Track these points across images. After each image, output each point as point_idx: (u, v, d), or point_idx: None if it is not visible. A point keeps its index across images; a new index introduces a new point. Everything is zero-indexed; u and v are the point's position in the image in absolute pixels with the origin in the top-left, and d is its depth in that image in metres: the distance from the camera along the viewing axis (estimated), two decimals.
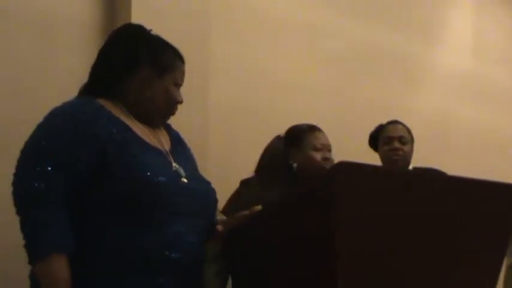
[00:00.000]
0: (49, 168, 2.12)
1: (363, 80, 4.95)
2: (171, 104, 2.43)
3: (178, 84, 2.44)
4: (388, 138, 3.94)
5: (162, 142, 2.41)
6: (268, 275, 2.31)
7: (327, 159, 3.38)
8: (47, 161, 2.13)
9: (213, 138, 3.96)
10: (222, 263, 2.67)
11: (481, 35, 5.90)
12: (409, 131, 3.99)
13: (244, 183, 3.38)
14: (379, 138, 3.99)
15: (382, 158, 3.96)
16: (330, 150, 3.42)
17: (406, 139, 3.94)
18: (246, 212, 2.39)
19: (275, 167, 3.40)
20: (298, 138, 3.43)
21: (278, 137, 3.54)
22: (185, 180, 2.32)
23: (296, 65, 4.60)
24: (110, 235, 2.17)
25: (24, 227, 2.11)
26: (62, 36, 3.49)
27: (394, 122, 4.02)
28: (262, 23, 4.47)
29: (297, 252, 2.20)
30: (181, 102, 2.45)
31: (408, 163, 3.95)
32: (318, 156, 3.36)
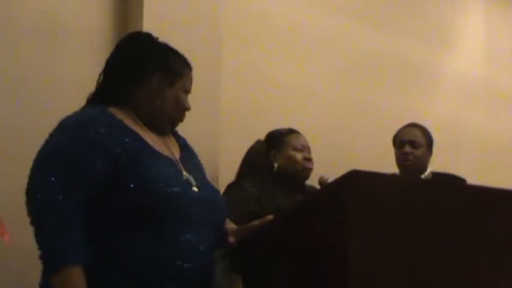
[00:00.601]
0: (64, 179, 2.11)
1: (373, 86, 4.94)
2: (181, 111, 2.43)
3: (187, 91, 2.44)
4: (401, 142, 3.96)
5: (172, 150, 2.40)
6: (279, 284, 2.30)
7: (308, 159, 3.45)
8: (61, 171, 2.12)
9: (224, 142, 3.96)
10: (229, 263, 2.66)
11: (492, 41, 5.87)
12: (425, 135, 3.97)
13: (234, 187, 3.43)
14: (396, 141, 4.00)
15: (396, 162, 3.96)
16: (309, 152, 3.49)
17: (419, 143, 3.93)
18: (256, 222, 2.38)
19: (259, 168, 3.47)
20: (279, 141, 3.53)
21: (258, 141, 3.61)
22: (196, 190, 2.31)
23: (306, 70, 4.59)
24: (122, 245, 2.16)
25: (39, 237, 2.10)
26: (73, 43, 3.50)
27: (410, 125, 4.02)
28: (272, 29, 4.47)
29: (309, 261, 2.19)
30: (189, 109, 2.44)
31: (423, 167, 3.94)
32: (298, 155, 3.43)
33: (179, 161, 2.37)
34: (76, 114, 2.28)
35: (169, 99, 2.38)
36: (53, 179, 2.11)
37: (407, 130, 4.00)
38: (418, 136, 3.96)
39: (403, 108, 4.98)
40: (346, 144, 4.55)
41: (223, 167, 3.88)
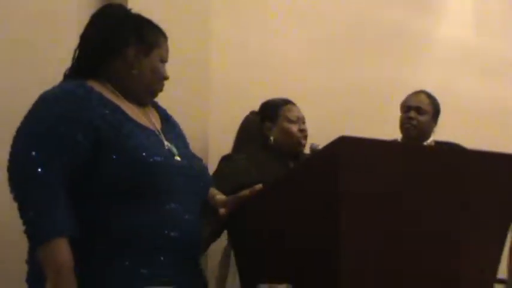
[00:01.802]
0: (45, 153, 2.11)
1: (362, 56, 4.93)
2: (159, 80, 2.43)
3: (163, 61, 2.44)
4: (406, 107, 4.03)
5: (153, 121, 2.41)
6: (271, 253, 2.31)
7: (302, 130, 3.46)
8: (42, 145, 2.12)
9: (214, 119, 3.96)
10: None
11: (481, 7, 5.86)
12: (432, 103, 4.00)
13: (226, 159, 3.42)
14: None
15: (399, 126, 4.01)
16: (304, 123, 3.48)
17: (425, 110, 3.97)
18: (247, 192, 2.37)
19: (251, 140, 3.47)
20: (273, 113, 3.52)
21: (252, 113, 3.60)
22: (178, 159, 2.32)
23: (294, 43, 4.58)
24: (107, 217, 2.17)
25: (24, 212, 2.09)
26: (61, 38, 3.46)
27: (418, 92, 4.06)
28: (262, 2, 4.45)
29: (299, 229, 2.20)
30: (167, 78, 2.45)
31: (425, 134, 3.99)
32: (294, 128, 3.43)
33: (160, 132, 2.38)
34: (54, 89, 2.28)
35: (147, 69, 2.38)
36: (33, 153, 2.11)
37: (415, 96, 4.06)
38: (424, 103, 4.01)
39: (392, 77, 4.98)
40: (336, 114, 4.55)
41: (212, 141, 3.88)
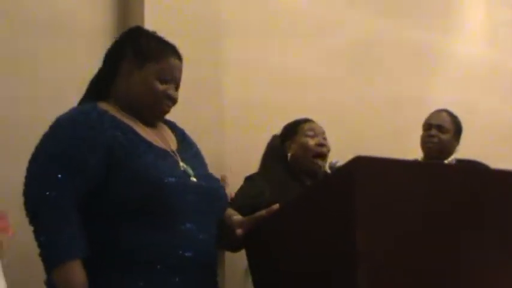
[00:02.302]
0: (59, 176, 2.13)
1: (379, 73, 4.92)
2: (154, 97, 2.36)
3: (163, 79, 2.36)
4: (428, 124, 4.02)
5: (168, 141, 2.41)
6: (288, 272, 2.29)
7: (322, 144, 3.43)
8: (55, 168, 2.14)
9: (229, 135, 3.95)
10: None
11: (500, 25, 5.85)
12: (454, 122, 3.99)
13: (248, 178, 3.42)
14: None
15: (420, 144, 4.01)
16: (325, 138, 3.46)
17: (446, 128, 3.96)
18: (263, 212, 2.36)
19: (273, 162, 3.46)
20: (292, 130, 3.52)
21: (274, 136, 3.60)
22: (194, 179, 2.31)
23: (309, 61, 4.57)
24: (122, 237, 2.18)
25: (38, 236, 2.12)
26: (74, 39, 3.48)
27: (440, 110, 4.05)
28: (274, 20, 4.45)
29: (316, 248, 2.18)
30: (171, 97, 2.38)
31: (447, 153, 3.98)
32: (311, 141, 3.41)
33: (175, 152, 2.37)
34: (68, 113, 2.30)
35: (138, 82, 2.36)
36: (46, 177, 2.14)
37: (437, 114, 4.05)
38: (446, 121, 4.00)
39: (407, 93, 4.98)
40: (353, 131, 4.53)
41: (228, 160, 3.87)
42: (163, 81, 2.36)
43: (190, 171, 2.33)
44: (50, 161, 2.16)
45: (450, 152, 4.00)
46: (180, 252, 2.20)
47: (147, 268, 2.17)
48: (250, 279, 2.69)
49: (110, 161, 2.19)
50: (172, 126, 2.53)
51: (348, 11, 4.80)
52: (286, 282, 2.30)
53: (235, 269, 3.42)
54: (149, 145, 2.29)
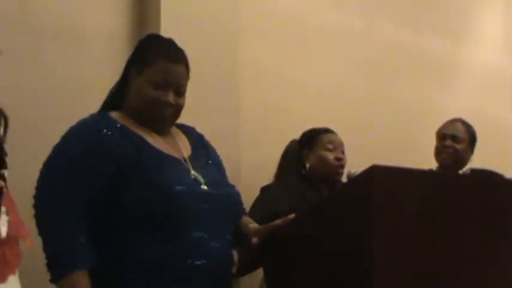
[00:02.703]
0: (66, 186, 2.14)
1: (394, 82, 4.90)
2: (147, 103, 2.32)
3: (157, 84, 2.30)
4: (442, 134, 3.99)
5: (180, 148, 2.39)
6: (304, 280, 2.28)
7: (339, 159, 3.43)
8: (63, 179, 2.16)
9: (245, 142, 3.94)
10: None
11: None
12: (469, 132, 3.97)
13: (264, 189, 3.42)
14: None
15: (434, 154, 3.98)
16: (343, 152, 3.47)
17: (461, 139, 3.94)
18: (279, 221, 2.35)
19: (290, 169, 3.46)
20: (311, 140, 3.52)
21: (293, 141, 3.60)
22: (205, 187, 2.29)
23: (327, 69, 4.56)
24: (132, 246, 2.18)
25: (45, 247, 2.13)
26: (91, 45, 3.49)
27: (454, 120, 4.04)
28: (292, 27, 4.43)
29: (332, 256, 2.18)
30: (166, 102, 2.32)
31: (461, 163, 3.94)
32: (330, 156, 3.41)
33: (188, 159, 2.35)
34: (77, 125, 2.30)
35: (136, 91, 2.34)
36: (54, 187, 2.14)
37: (451, 124, 4.02)
38: (460, 131, 3.97)
39: (425, 103, 4.95)
40: (370, 140, 4.52)
41: (244, 166, 3.86)
42: (156, 87, 2.31)
43: (201, 179, 2.31)
44: (59, 172, 2.18)
45: (465, 162, 3.98)
46: (190, 260, 2.18)
47: (156, 277, 2.16)
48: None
49: (119, 170, 2.19)
50: (189, 132, 2.51)
51: (367, 20, 4.79)
52: None
53: (252, 279, 3.41)
54: (159, 154, 2.28)
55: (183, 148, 2.41)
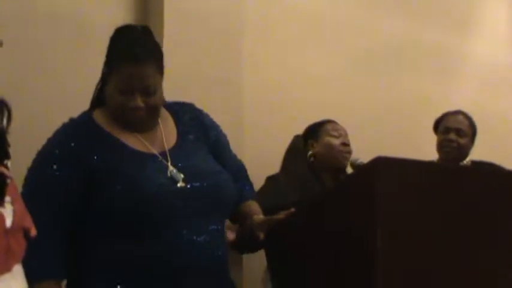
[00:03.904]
0: (39, 194, 2.17)
1: (398, 75, 4.90)
2: (117, 109, 2.30)
3: (122, 90, 2.26)
4: (446, 128, 3.97)
5: (162, 142, 2.34)
6: (307, 274, 2.29)
7: (345, 144, 3.44)
8: (33, 187, 2.20)
9: (248, 135, 3.94)
10: None
11: None
12: (472, 125, 3.97)
13: (271, 178, 3.42)
14: (439, 126, 4.00)
15: (437, 147, 3.97)
16: (347, 139, 3.47)
17: (465, 132, 3.93)
18: (282, 215, 2.36)
19: (296, 162, 3.46)
20: (316, 130, 3.52)
21: (297, 136, 3.60)
22: (181, 184, 2.25)
23: (330, 61, 4.56)
24: (109, 249, 2.19)
25: None
26: (93, 39, 3.49)
27: (456, 113, 4.01)
28: (294, 20, 4.44)
29: (335, 249, 2.19)
30: (133, 108, 2.27)
31: (464, 156, 3.95)
32: (336, 141, 3.42)
33: (169, 152, 2.32)
34: (60, 128, 2.32)
35: (107, 95, 2.32)
36: (30, 196, 2.09)
37: (455, 117, 4.00)
38: (464, 125, 3.95)
39: (427, 94, 4.95)
40: (372, 132, 4.52)
41: (247, 159, 3.86)
42: (123, 93, 2.27)
43: (178, 176, 2.26)
44: (30, 179, 2.23)
45: (466, 154, 3.98)
46: (168, 259, 2.17)
47: (134, 280, 2.17)
48: (269, 281, 2.70)
49: (92, 176, 2.21)
50: (180, 114, 2.44)
51: (369, 13, 4.78)
52: (306, 282, 2.30)
53: (254, 270, 3.42)
54: (133, 155, 2.26)
55: (167, 138, 2.36)
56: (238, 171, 2.57)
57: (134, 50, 2.25)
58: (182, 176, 2.26)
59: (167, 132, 2.38)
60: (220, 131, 2.53)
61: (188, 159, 2.32)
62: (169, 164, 2.28)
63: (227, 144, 2.55)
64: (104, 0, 3.58)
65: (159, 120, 2.38)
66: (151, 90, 2.27)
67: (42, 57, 3.33)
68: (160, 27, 3.47)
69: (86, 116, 2.33)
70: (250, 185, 2.60)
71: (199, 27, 3.55)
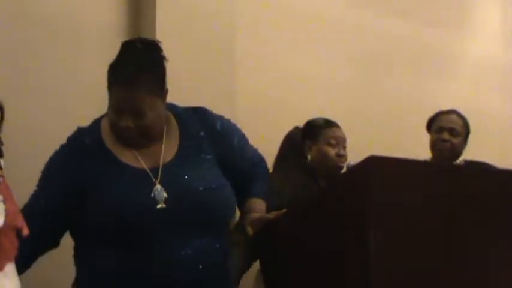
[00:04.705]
0: (35, 198, 2.29)
1: (391, 73, 4.92)
2: (113, 127, 2.32)
3: (115, 109, 2.27)
4: (440, 128, 3.96)
5: (159, 156, 2.33)
6: (300, 272, 2.29)
7: (341, 155, 3.44)
8: (37, 191, 2.31)
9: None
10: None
11: (510, 23, 5.83)
12: (465, 125, 3.97)
13: None
14: (432, 125, 4.00)
15: (431, 146, 3.97)
16: (344, 147, 3.48)
17: (458, 131, 3.93)
18: (272, 215, 2.37)
19: (290, 158, 3.46)
20: (315, 132, 3.50)
21: (296, 128, 3.59)
22: (162, 206, 2.23)
23: (323, 61, 4.57)
24: (91, 262, 2.24)
25: None
26: (87, 39, 3.50)
27: (450, 112, 4.01)
28: (288, 19, 4.45)
29: (329, 247, 2.19)
30: (125, 127, 2.27)
31: (457, 155, 3.94)
32: (331, 152, 3.42)
33: (162, 168, 2.30)
34: (71, 135, 2.37)
35: (108, 108, 2.34)
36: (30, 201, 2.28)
37: (448, 117, 3.99)
38: (458, 125, 3.95)
39: (422, 93, 4.97)
40: (365, 131, 4.53)
41: None
42: (115, 111, 2.28)
43: (162, 195, 2.24)
44: (39, 181, 2.33)
45: (459, 154, 3.98)
46: (150, 274, 2.19)
47: None
48: (262, 281, 2.69)
49: (82, 187, 2.25)
50: (187, 122, 2.41)
51: (364, 11, 4.80)
52: (298, 282, 2.30)
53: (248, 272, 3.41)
54: (122, 172, 2.27)
55: (167, 153, 2.34)
56: (252, 169, 2.54)
57: (125, 73, 2.24)
58: (165, 195, 2.24)
59: (169, 145, 2.35)
60: (235, 133, 2.51)
61: (179, 176, 2.30)
62: (157, 181, 2.27)
63: (243, 145, 2.52)
64: (97, 1, 3.57)
65: (164, 134, 2.35)
66: (141, 113, 2.26)
67: (36, 58, 3.33)
68: (153, 28, 3.48)
69: (95, 126, 2.36)
70: (263, 181, 2.55)
71: (192, 29, 3.55)
